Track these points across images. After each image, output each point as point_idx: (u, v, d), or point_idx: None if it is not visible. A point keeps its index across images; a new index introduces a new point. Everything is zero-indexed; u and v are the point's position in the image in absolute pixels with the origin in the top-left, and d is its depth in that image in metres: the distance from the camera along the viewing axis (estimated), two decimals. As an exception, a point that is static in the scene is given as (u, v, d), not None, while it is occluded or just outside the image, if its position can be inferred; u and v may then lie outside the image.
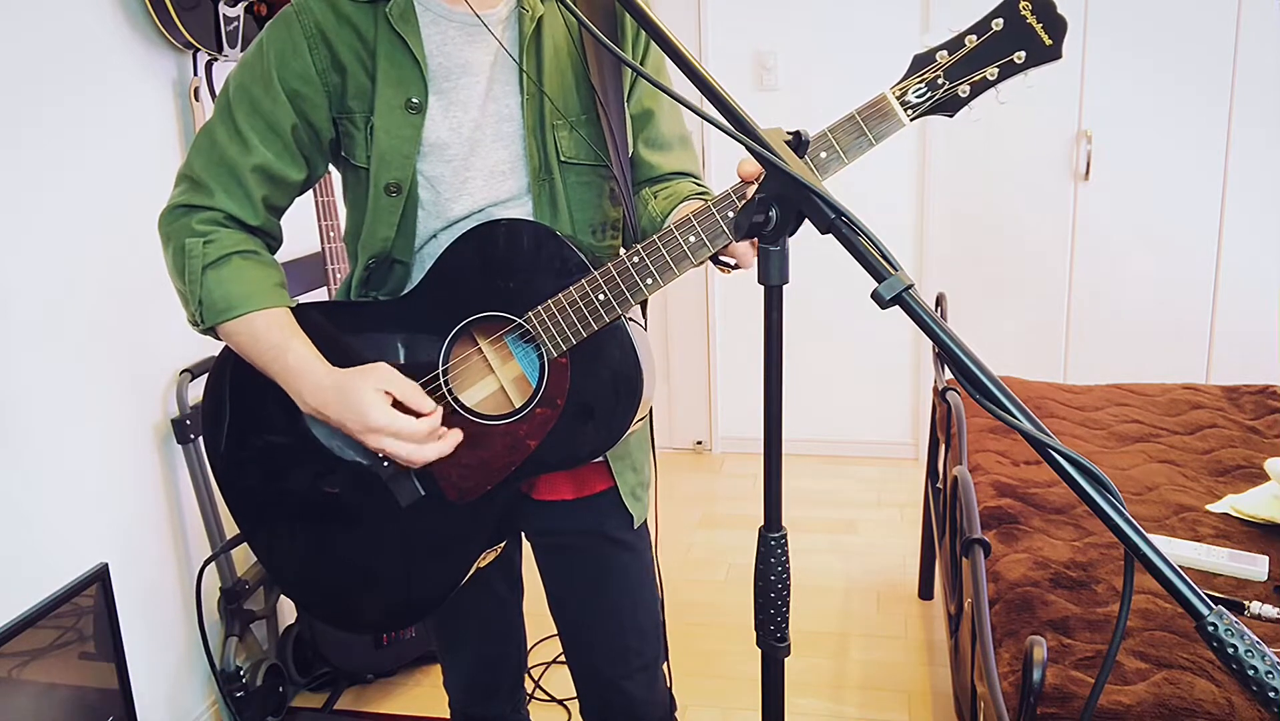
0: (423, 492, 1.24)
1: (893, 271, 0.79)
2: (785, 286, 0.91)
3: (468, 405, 1.22)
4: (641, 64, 1.28)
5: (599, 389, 1.18)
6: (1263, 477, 2.06)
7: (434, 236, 1.26)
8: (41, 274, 1.85)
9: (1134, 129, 3.41)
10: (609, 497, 1.36)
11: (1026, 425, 0.74)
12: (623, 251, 1.26)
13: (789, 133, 0.98)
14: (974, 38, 1.01)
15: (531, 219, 1.23)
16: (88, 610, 1.85)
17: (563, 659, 2.59)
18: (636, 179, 1.34)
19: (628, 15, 1.24)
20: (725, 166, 3.66)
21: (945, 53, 1.02)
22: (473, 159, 1.22)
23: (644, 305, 1.30)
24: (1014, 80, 1.01)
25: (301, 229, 2.42)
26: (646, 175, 1.34)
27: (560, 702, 2.43)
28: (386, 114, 1.19)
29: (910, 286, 0.79)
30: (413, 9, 1.19)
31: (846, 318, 3.73)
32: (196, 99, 2.18)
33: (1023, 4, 0.99)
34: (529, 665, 2.57)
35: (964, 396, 2.41)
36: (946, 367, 2.42)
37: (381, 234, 1.24)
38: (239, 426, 1.30)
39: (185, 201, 1.21)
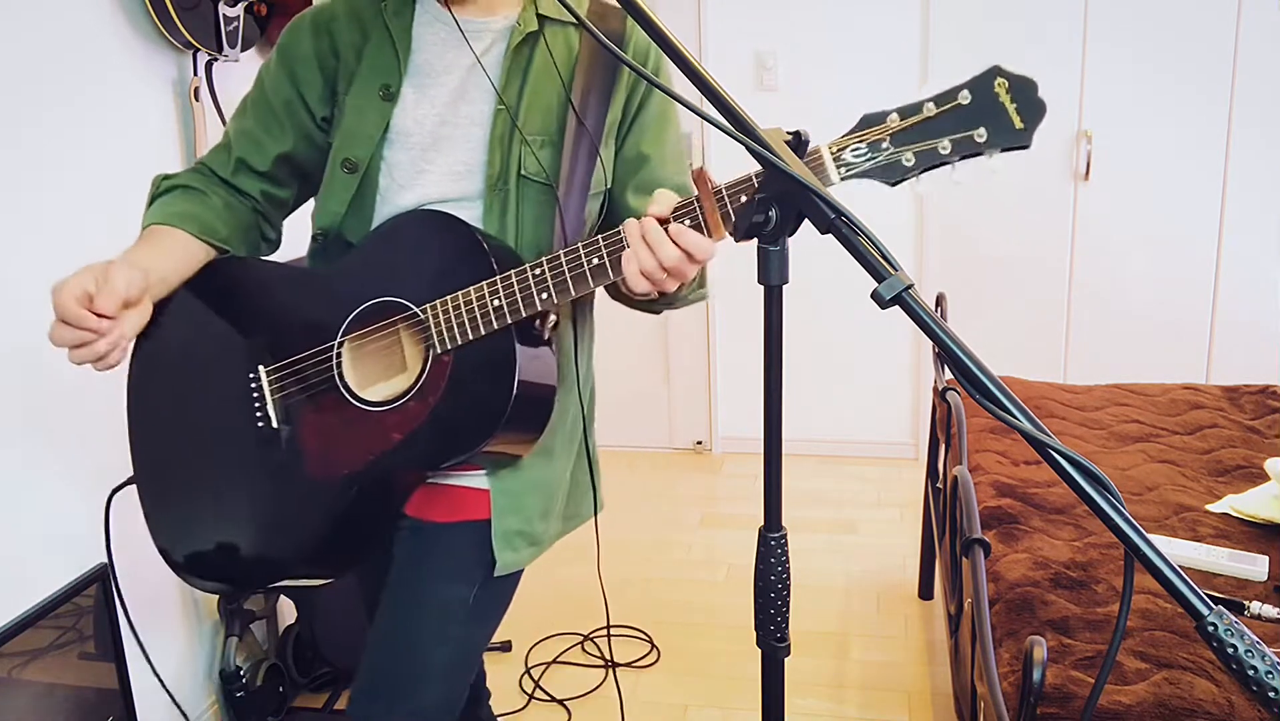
0: (284, 458, 1.24)
1: (892, 271, 0.79)
2: (785, 286, 0.91)
3: (357, 386, 1.22)
4: (638, 110, 1.28)
5: (464, 399, 1.16)
6: (1263, 477, 2.06)
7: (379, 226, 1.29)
8: (42, 273, 1.85)
9: (1134, 129, 3.41)
10: (474, 533, 1.28)
11: (1026, 425, 0.74)
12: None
13: (789, 132, 0.98)
14: (933, 106, 0.95)
15: (455, 215, 1.22)
16: (88, 610, 1.85)
17: (563, 658, 2.59)
18: (616, 220, 1.31)
19: (629, 49, 1.26)
20: (725, 166, 3.66)
21: (897, 116, 0.97)
22: (432, 153, 1.25)
23: (550, 324, 1.24)
24: (976, 161, 0.94)
25: (302, 229, 2.41)
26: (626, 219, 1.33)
27: (560, 702, 2.43)
28: (360, 94, 1.26)
29: (910, 286, 0.79)
30: (411, 7, 1.26)
31: (846, 318, 3.73)
32: (196, 99, 2.18)
33: (999, 81, 0.94)
34: (529, 665, 2.57)
35: (964, 396, 2.41)
36: (946, 368, 2.42)
37: (332, 208, 1.28)
38: (154, 350, 1.33)
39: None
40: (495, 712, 1.63)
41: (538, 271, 1.12)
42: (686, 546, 3.25)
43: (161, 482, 1.34)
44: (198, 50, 2.14)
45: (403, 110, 1.25)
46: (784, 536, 0.98)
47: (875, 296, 0.79)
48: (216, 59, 2.19)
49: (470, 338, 1.15)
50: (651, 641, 2.65)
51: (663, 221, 1.05)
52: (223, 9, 2.13)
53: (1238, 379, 3.16)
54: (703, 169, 1.01)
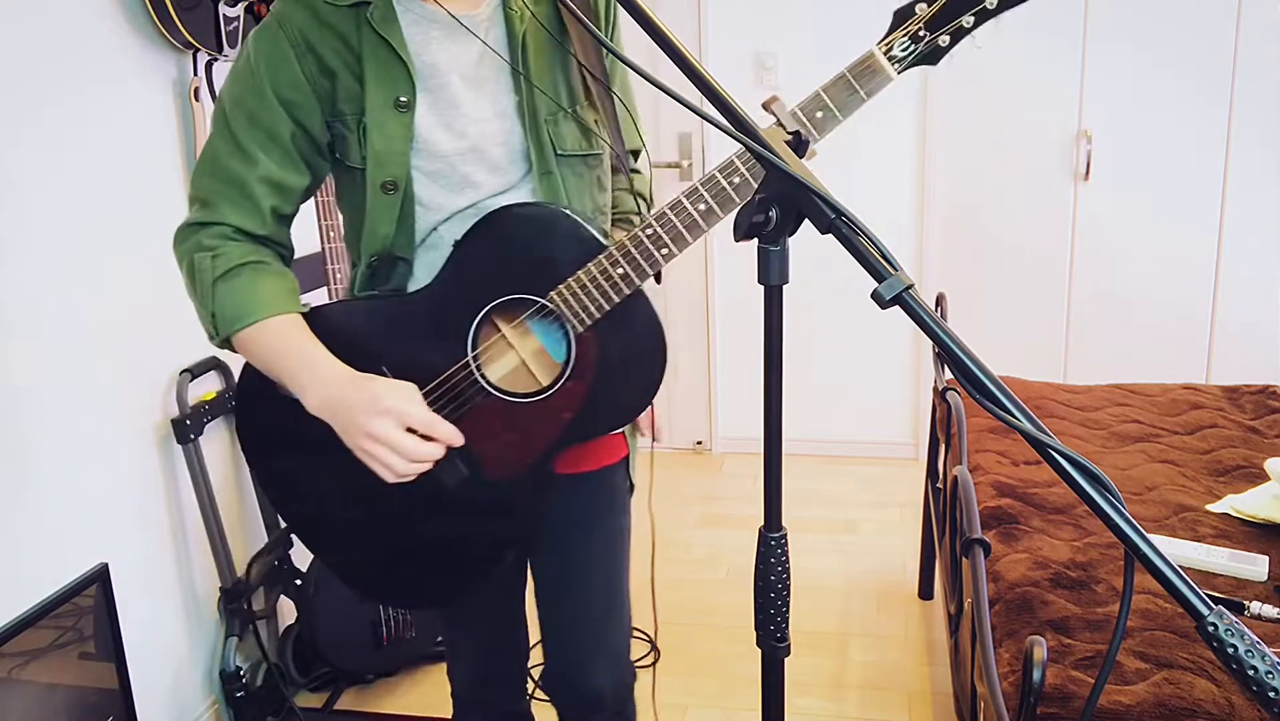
0: (466, 473, 1.26)
1: (893, 271, 0.79)
2: (785, 286, 0.91)
3: (497, 385, 1.25)
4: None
5: (627, 356, 1.23)
6: (1263, 477, 2.06)
7: (434, 230, 1.27)
8: (41, 274, 1.85)
9: (1134, 129, 3.41)
10: (619, 469, 1.44)
11: (1026, 425, 0.74)
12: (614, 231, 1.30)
13: (789, 132, 0.98)
14: None
15: (542, 201, 1.27)
16: (88, 610, 1.85)
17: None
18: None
19: (600, 11, 1.29)
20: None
21: (924, 4, 1.09)
22: (469, 154, 1.25)
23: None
24: (988, 26, 1.09)
25: (301, 229, 2.41)
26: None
27: (560, 702, 2.43)
28: (377, 113, 1.21)
29: (910, 286, 0.79)
30: (393, 10, 1.21)
31: (846, 318, 3.73)
32: (196, 99, 2.18)
33: None
34: (529, 665, 2.57)
35: (964, 396, 2.41)
36: (946, 368, 2.42)
37: (381, 231, 1.25)
38: (278, 412, 1.29)
39: (194, 220, 1.24)
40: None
41: (650, 231, 1.16)
42: (686, 546, 3.25)
43: (340, 536, 1.35)
44: (198, 50, 2.14)
45: (424, 118, 1.23)
46: (784, 536, 0.98)
47: (875, 296, 0.79)
48: (216, 59, 2.20)
49: (606, 309, 1.19)
50: (652, 641, 2.65)
51: None
52: (223, 9, 2.13)
53: (1238, 379, 3.17)
54: (775, 96, 1.07)
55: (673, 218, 1.16)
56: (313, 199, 2.32)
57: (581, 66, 1.27)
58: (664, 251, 1.17)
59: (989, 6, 1.07)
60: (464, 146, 1.24)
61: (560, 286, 1.19)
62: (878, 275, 0.80)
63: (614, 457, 1.43)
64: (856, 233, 0.82)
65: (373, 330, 1.26)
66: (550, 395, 1.24)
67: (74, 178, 1.92)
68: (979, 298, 3.65)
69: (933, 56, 1.10)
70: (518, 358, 1.26)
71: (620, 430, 1.42)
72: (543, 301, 1.21)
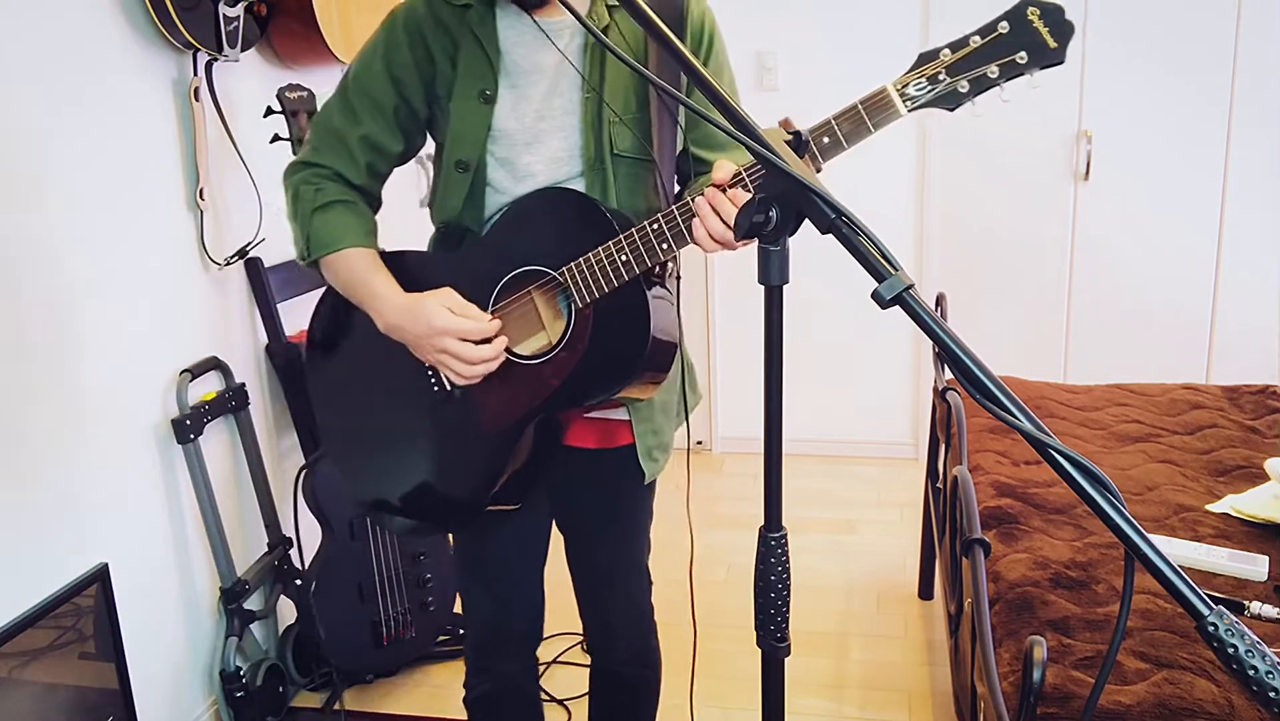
0: (450, 389, 1.43)
1: (893, 271, 0.79)
2: (785, 286, 0.91)
3: (512, 349, 1.39)
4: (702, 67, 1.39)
5: (610, 342, 1.34)
6: (1263, 477, 2.06)
7: (501, 210, 1.42)
8: (41, 274, 1.85)
9: (1134, 129, 3.41)
10: (626, 453, 1.53)
11: (1026, 425, 0.74)
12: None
13: (789, 132, 0.98)
14: (978, 38, 1.07)
15: (573, 189, 1.39)
16: (88, 610, 1.85)
17: (563, 659, 2.59)
18: (692, 172, 1.49)
19: (689, 23, 1.41)
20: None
21: (949, 50, 1.08)
22: (536, 146, 1.39)
23: (670, 272, 1.45)
24: (1019, 81, 1.07)
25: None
26: (700, 170, 1.48)
27: (560, 702, 2.43)
28: (462, 100, 1.39)
29: (910, 286, 0.79)
30: (493, 14, 1.38)
31: (846, 318, 3.73)
32: (196, 99, 2.18)
33: (1031, 9, 1.06)
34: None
35: (964, 396, 2.41)
36: (946, 367, 2.42)
37: (451, 203, 1.43)
38: (334, 340, 1.54)
39: (303, 159, 1.46)
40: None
41: (655, 226, 1.27)
42: (687, 546, 3.25)
43: (357, 454, 1.54)
44: (198, 50, 2.14)
45: (502, 111, 1.38)
46: (784, 536, 0.99)
47: (876, 296, 0.79)
48: (216, 59, 2.19)
49: (606, 290, 1.31)
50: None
51: (723, 187, 1.18)
52: (223, 9, 2.13)
53: (1238, 379, 3.16)
54: (787, 119, 1.08)
55: (676, 215, 1.25)
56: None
57: (644, 77, 1.34)
58: (664, 246, 1.27)
59: (1019, 61, 1.06)
60: (529, 138, 1.39)
61: (571, 264, 1.32)
62: (878, 275, 0.80)
63: (612, 443, 1.52)
64: (857, 232, 0.82)
65: (420, 278, 1.43)
66: (544, 361, 1.37)
67: (73, 177, 1.92)
68: (979, 298, 3.65)
69: (949, 100, 1.10)
70: (547, 336, 1.39)
71: (620, 418, 1.51)
72: (554, 275, 1.34)
